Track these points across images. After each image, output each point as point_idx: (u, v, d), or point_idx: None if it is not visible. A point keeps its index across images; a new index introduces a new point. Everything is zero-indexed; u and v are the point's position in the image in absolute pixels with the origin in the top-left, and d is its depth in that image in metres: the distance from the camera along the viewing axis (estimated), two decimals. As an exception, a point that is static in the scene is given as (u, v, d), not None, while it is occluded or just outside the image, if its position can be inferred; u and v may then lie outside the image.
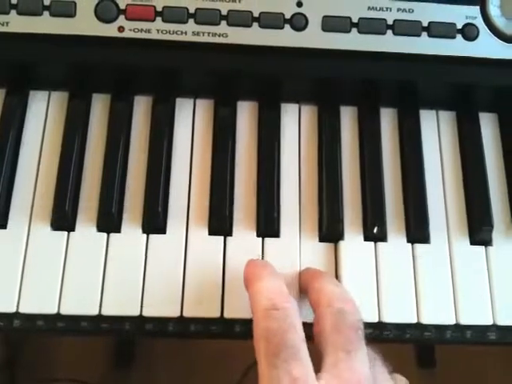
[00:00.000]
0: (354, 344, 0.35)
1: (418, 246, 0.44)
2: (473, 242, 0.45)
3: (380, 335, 0.42)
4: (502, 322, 0.43)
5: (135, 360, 0.93)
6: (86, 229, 0.43)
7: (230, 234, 0.44)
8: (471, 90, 0.48)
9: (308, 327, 0.37)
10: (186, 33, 0.44)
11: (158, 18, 0.44)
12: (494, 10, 0.46)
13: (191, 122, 0.47)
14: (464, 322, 0.42)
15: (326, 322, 0.36)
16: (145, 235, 0.43)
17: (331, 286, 0.39)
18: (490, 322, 0.43)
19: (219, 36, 0.44)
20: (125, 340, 0.93)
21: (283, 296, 0.37)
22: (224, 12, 0.44)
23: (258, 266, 0.40)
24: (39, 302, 0.41)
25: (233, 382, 0.79)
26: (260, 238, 0.44)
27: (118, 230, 0.43)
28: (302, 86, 0.47)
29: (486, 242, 0.45)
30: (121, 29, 0.44)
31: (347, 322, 0.36)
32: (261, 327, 0.35)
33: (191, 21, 0.44)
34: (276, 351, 0.34)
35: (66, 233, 0.43)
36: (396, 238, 0.45)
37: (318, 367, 0.35)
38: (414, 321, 0.42)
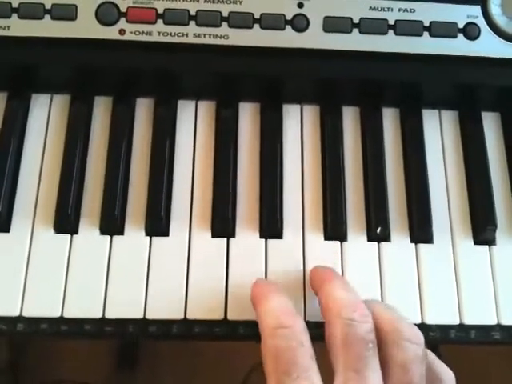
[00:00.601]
0: (364, 360, 0.35)
1: (421, 246, 0.44)
2: (476, 242, 0.45)
3: (384, 336, 0.42)
4: (507, 321, 0.42)
5: (139, 362, 0.93)
6: (89, 232, 0.43)
7: (233, 236, 0.44)
8: (473, 89, 0.48)
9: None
10: (187, 35, 0.44)
11: (159, 21, 0.44)
12: (495, 9, 0.46)
13: (193, 124, 0.47)
14: (468, 321, 0.42)
15: (335, 335, 0.36)
16: (148, 238, 0.43)
17: (340, 292, 0.38)
18: (495, 322, 0.42)
19: (220, 38, 0.44)
20: (128, 342, 0.93)
21: (290, 314, 0.37)
22: (225, 14, 0.44)
23: (264, 286, 0.40)
24: (42, 305, 0.41)
25: (236, 382, 0.79)
26: (263, 240, 0.44)
27: (121, 233, 0.43)
28: (304, 86, 0.47)
29: (490, 241, 0.45)
30: (122, 31, 0.44)
31: (357, 337, 0.35)
32: (269, 346, 0.35)
33: (192, 23, 0.44)
34: (285, 369, 0.34)
35: (69, 236, 0.43)
36: (399, 239, 0.44)
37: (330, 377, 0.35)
38: (418, 321, 0.42)
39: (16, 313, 0.40)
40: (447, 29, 0.45)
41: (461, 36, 0.45)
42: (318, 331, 0.40)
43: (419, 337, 0.37)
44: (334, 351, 0.36)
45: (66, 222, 0.43)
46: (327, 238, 0.44)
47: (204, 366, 0.88)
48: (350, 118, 0.48)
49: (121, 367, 0.93)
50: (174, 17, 0.44)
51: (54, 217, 0.43)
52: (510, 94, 0.48)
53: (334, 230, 0.44)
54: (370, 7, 0.45)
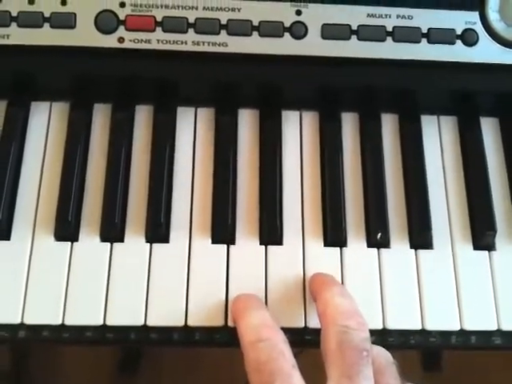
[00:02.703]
0: (357, 368, 0.35)
1: (421, 251, 0.44)
2: (476, 247, 0.45)
3: (384, 342, 0.42)
4: (507, 327, 0.42)
5: (141, 367, 0.93)
6: (89, 239, 0.43)
7: (233, 243, 0.44)
8: (472, 95, 0.48)
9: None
10: (186, 42, 0.44)
11: (158, 28, 0.44)
12: (493, 15, 0.46)
13: (193, 131, 0.47)
14: (468, 327, 0.42)
15: (330, 341, 0.36)
16: (148, 244, 0.43)
17: (337, 299, 0.38)
18: (495, 327, 0.42)
19: (219, 45, 0.44)
20: (130, 347, 0.93)
21: (269, 327, 0.37)
22: (224, 21, 0.44)
23: (245, 301, 0.40)
24: (44, 312, 0.41)
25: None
26: (263, 246, 0.44)
27: (121, 240, 0.43)
28: (303, 93, 0.48)
29: (490, 246, 0.45)
30: (121, 40, 0.44)
31: (352, 344, 0.36)
32: (250, 359, 0.36)
33: (191, 30, 0.44)
34: (268, 380, 0.34)
35: (69, 243, 0.43)
36: (399, 244, 0.45)
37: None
38: (419, 327, 0.42)
39: (17, 320, 0.40)
40: (445, 35, 0.45)
41: (459, 42, 0.45)
42: (318, 337, 0.40)
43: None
44: (329, 357, 0.36)
45: (66, 229, 0.43)
46: (327, 244, 0.44)
47: (206, 370, 0.87)
48: (349, 124, 0.48)
49: (123, 372, 0.93)
50: (173, 25, 0.44)
51: (55, 224, 0.43)
52: (509, 100, 0.48)
53: (334, 236, 0.44)
54: (368, 14, 0.45)
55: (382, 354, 0.39)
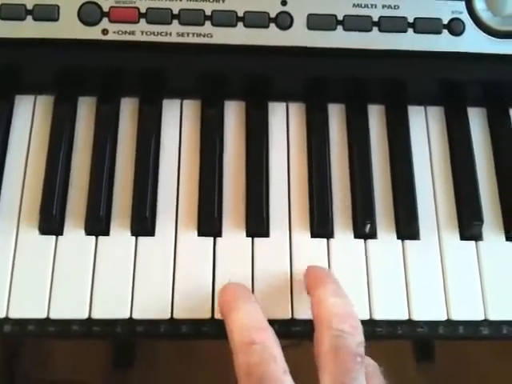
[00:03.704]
0: (351, 374, 0.34)
1: (408, 242, 0.44)
2: (463, 238, 0.45)
3: (372, 332, 0.42)
4: (494, 316, 0.42)
5: (135, 360, 0.93)
6: (74, 232, 0.43)
7: (220, 235, 0.44)
8: (459, 85, 0.48)
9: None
10: (170, 34, 0.44)
11: (142, 20, 0.44)
12: (479, 4, 0.45)
13: (178, 123, 0.47)
14: (455, 317, 0.42)
15: (324, 344, 0.36)
16: (133, 238, 0.43)
17: (332, 299, 0.37)
18: (482, 317, 0.42)
19: (204, 36, 0.44)
20: (124, 343, 0.93)
21: (261, 328, 0.36)
22: (208, 12, 0.44)
23: (231, 294, 0.39)
24: (29, 306, 0.40)
25: (234, 380, 0.79)
26: (250, 238, 0.44)
27: (106, 233, 0.43)
28: (289, 84, 0.47)
29: (477, 236, 0.45)
30: (105, 31, 0.43)
31: (346, 350, 0.35)
32: (241, 362, 0.35)
33: (175, 22, 0.44)
34: None
35: (54, 237, 0.43)
36: (386, 235, 0.44)
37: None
38: (406, 317, 0.42)
39: (2, 314, 0.40)
40: (431, 25, 0.45)
41: (445, 32, 0.45)
42: (305, 328, 0.40)
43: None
44: (322, 361, 0.35)
45: (50, 222, 0.43)
46: (314, 235, 0.44)
47: (202, 363, 0.87)
48: (335, 116, 0.48)
49: (117, 365, 0.93)
50: (157, 16, 0.43)
51: (39, 218, 0.43)
52: (495, 90, 0.48)
53: (321, 227, 0.44)
54: (354, 4, 0.45)
55: (370, 362, 0.38)
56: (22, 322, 0.40)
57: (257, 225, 0.44)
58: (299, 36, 0.45)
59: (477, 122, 0.49)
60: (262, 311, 0.38)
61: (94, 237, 0.43)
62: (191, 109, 0.47)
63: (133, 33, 0.44)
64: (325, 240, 0.44)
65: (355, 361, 0.35)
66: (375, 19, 0.45)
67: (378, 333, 0.42)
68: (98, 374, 0.92)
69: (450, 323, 0.42)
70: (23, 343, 0.90)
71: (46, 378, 0.90)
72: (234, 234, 0.44)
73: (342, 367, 0.35)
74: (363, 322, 0.41)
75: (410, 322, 0.42)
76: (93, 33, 0.44)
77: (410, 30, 0.45)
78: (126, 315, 0.41)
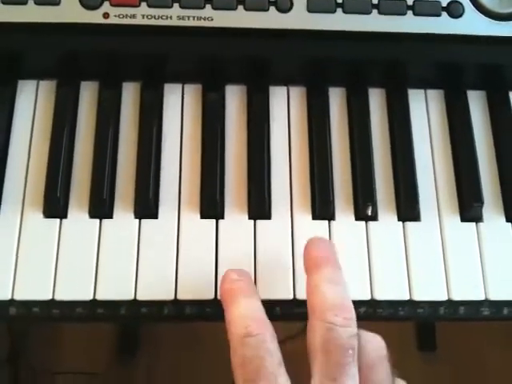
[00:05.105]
0: (342, 368, 0.34)
1: (408, 224, 0.45)
2: (463, 219, 0.45)
3: (373, 313, 0.42)
4: (494, 296, 0.43)
5: (139, 348, 0.94)
6: (78, 215, 0.43)
7: (222, 217, 0.44)
8: (458, 68, 0.48)
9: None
10: (171, 17, 0.44)
11: (143, 3, 0.44)
12: (478, -13, 0.46)
13: (180, 108, 0.47)
14: (456, 297, 0.43)
15: (315, 336, 0.35)
16: (137, 220, 0.43)
17: (327, 288, 0.37)
18: (482, 298, 0.43)
19: (204, 20, 0.44)
20: (129, 327, 0.94)
21: (259, 321, 0.36)
22: (208, -5, 0.44)
23: (233, 283, 0.38)
24: (34, 288, 0.41)
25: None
26: (252, 221, 0.44)
27: (110, 216, 0.43)
28: (290, 67, 0.47)
29: (477, 218, 0.45)
30: (106, 15, 0.44)
31: (337, 342, 0.34)
32: (237, 355, 0.35)
33: (176, 5, 0.44)
34: (252, 378, 0.34)
35: (58, 220, 0.43)
36: (387, 217, 0.45)
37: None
38: (407, 297, 0.42)
39: (8, 296, 0.41)
40: (431, 7, 0.45)
41: (444, 14, 0.45)
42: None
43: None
44: (313, 353, 0.35)
45: (54, 206, 0.43)
46: (315, 217, 0.44)
47: (205, 350, 0.88)
48: (336, 99, 0.48)
49: (121, 353, 0.94)
50: (158, -1, 0.44)
51: (43, 201, 0.43)
52: (495, 72, 0.48)
53: (322, 209, 0.44)
54: (354, -14, 0.45)
55: (375, 347, 0.37)
56: (27, 304, 0.41)
57: (258, 207, 0.44)
58: (299, 19, 0.45)
59: (477, 104, 0.49)
60: (261, 304, 0.37)
61: (97, 220, 0.43)
62: (193, 93, 0.48)
63: (134, 16, 0.44)
64: (326, 222, 0.44)
65: (346, 354, 0.34)
66: (375, 2, 0.45)
67: (379, 314, 0.42)
68: (102, 361, 0.93)
69: (450, 304, 0.43)
70: (29, 333, 0.91)
71: (50, 368, 0.91)
72: (236, 217, 0.44)
73: (332, 361, 0.34)
74: (365, 303, 0.42)
75: (411, 303, 0.43)
76: (94, 16, 0.44)
77: (410, 13, 0.45)
78: (131, 296, 0.41)
